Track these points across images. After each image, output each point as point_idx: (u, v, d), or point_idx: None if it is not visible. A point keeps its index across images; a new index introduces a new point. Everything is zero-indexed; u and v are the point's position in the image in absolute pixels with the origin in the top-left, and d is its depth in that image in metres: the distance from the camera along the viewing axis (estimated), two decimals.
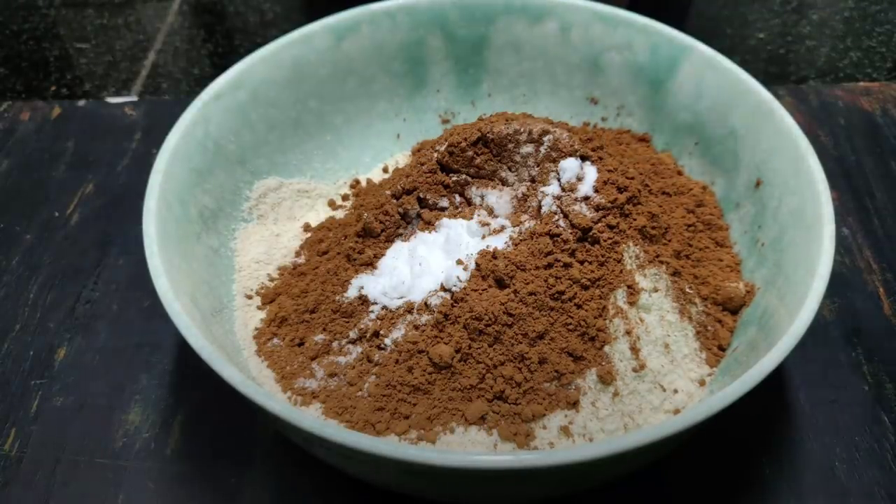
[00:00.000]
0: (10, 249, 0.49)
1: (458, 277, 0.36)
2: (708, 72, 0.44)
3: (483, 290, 0.35)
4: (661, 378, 0.36)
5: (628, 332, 0.36)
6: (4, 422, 0.40)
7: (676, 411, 0.35)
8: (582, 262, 0.36)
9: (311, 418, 0.28)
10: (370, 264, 0.39)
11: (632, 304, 0.36)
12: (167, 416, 0.40)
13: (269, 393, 0.29)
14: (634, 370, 0.35)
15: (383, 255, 0.40)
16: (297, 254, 0.43)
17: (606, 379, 0.35)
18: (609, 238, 0.36)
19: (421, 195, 0.40)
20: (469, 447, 0.33)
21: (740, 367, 0.33)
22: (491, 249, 0.36)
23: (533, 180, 0.39)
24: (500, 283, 0.35)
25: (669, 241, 0.39)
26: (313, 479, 0.38)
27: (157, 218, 0.36)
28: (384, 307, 0.37)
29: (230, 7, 0.74)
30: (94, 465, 0.38)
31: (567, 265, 0.35)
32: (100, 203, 0.52)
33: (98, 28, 0.71)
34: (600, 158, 0.38)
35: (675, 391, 0.36)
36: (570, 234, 0.36)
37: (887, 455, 0.38)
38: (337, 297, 0.38)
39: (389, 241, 0.40)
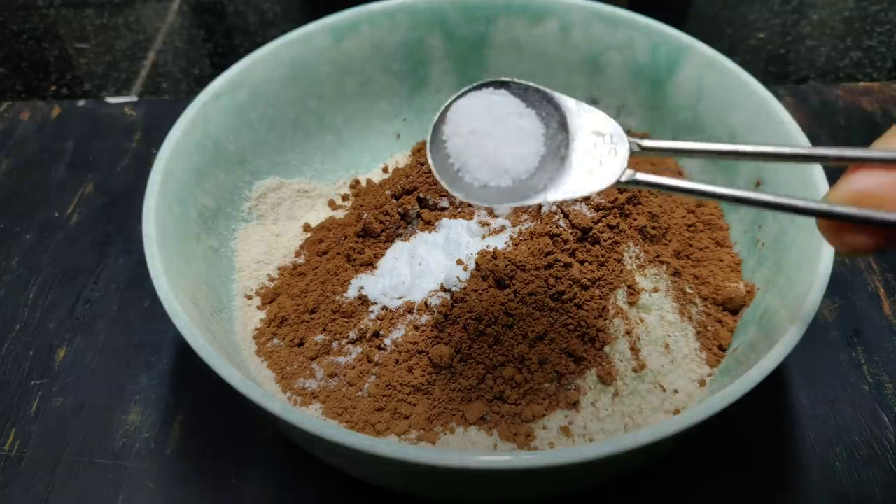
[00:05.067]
0: (10, 249, 0.49)
1: (458, 277, 0.36)
2: (708, 72, 0.44)
3: (483, 290, 0.35)
4: (661, 378, 0.36)
5: (628, 333, 0.36)
6: (4, 422, 0.40)
7: (676, 411, 0.35)
8: (582, 263, 0.36)
9: (311, 418, 0.28)
10: (370, 264, 0.39)
11: (632, 304, 0.36)
12: (167, 416, 0.40)
13: (269, 393, 0.29)
14: (634, 370, 0.35)
15: (383, 255, 0.40)
16: (297, 254, 0.43)
17: (606, 379, 0.35)
18: (609, 238, 0.36)
19: (421, 195, 0.40)
20: (469, 447, 0.33)
21: (740, 367, 0.33)
22: (491, 249, 0.36)
23: None
24: (500, 284, 0.35)
25: (669, 241, 0.39)
26: (313, 479, 0.38)
27: (157, 218, 0.36)
28: (384, 307, 0.37)
29: (230, 7, 0.74)
30: (94, 465, 0.38)
31: (567, 265, 0.35)
32: (100, 203, 0.52)
33: (98, 28, 0.71)
34: None
35: (675, 391, 0.36)
36: (570, 234, 0.36)
37: (887, 455, 0.38)
38: (337, 298, 0.38)
39: (389, 241, 0.40)
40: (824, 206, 0.25)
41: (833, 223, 0.25)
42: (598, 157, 0.27)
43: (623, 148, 0.27)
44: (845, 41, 0.68)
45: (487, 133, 0.28)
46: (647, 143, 0.28)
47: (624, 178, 0.27)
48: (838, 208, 0.25)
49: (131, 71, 0.66)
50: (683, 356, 0.36)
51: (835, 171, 0.53)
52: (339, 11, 0.47)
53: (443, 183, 0.28)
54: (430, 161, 0.28)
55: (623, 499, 0.37)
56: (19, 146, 0.56)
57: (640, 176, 0.27)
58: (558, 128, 0.28)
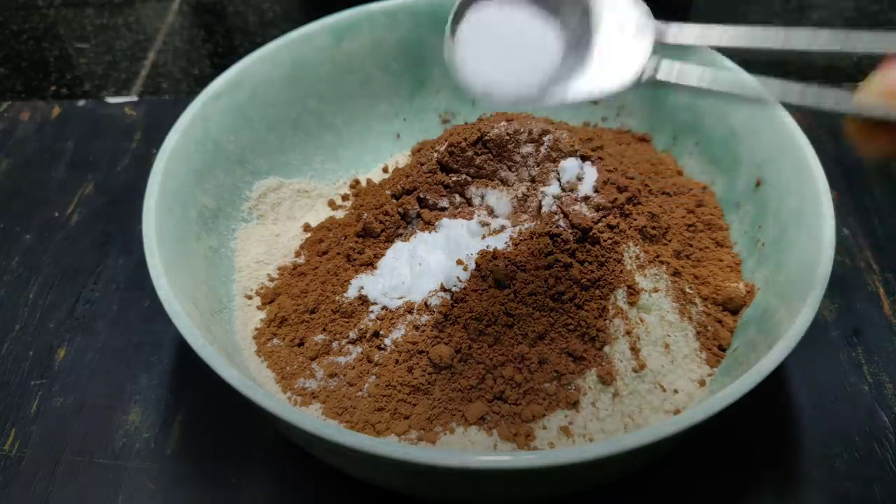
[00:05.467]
0: (10, 249, 0.49)
1: (458, 277, 0.36)
2: (708, 72, 0.44)
3: (483, 290, 0.35)
4: (661, 378, 0.36)
5: (628, 333, 0.36)
6: (4, 422, 0.40)
7: (676, 411, 0.35)
8: (582, 263, 0.36)
9: (311, 418, 0.28)
10: (370, 264, 0.39)
11: (632, 304, 0.36)
12: (167, 416, 0.40)
13: (269, 393, 0.29)
14: (634, 370, 0.35)
15: (383, 255, 0.40)
16: (297, 254, 0.43)
17: (606, 379, 0.35)
18: (609, 238, 0.36)
19: (421, 195, 0.40)
20: (469, 447, 0.33)
21: (740, 367, 0.33)
22: (491, 249, 0.36)
23: (533, 180, 0.39)
24: (500, 284, 0.35)
25: (669, 241, 0.39)
26: (313, 479, 0.38)
27: (157, 218, 0.36)
28: (384, 307, 0.37)
29: (230, 7, 0.74)
30: (94, 465, 0.38)
31: (567, 265, 0.35)
32: (100, 203, 0.52)
33: (98, 28, 0.71)
34: (600, 158, 0.38)
35: (675, 391, 0.36)
36: (570, 234, 0.36)
37: (887, 455, 0.38)
38: (337, 298, 0.38)
39: (389, 241, 0.40)
40: (853, 107, 0.23)
41: (863, 125, 0.23)
42: (620, 50, 0.25)
43: (649, 34, 0.25)
44: None
45: (507, 37, 0.26)
46: (674, 31, 0.26)
47: (645, 76, 0.25)
48: (869, 106, 0.22)
49: (131, 71, 0.66)
50: (683, 356, 0.36)
51: (834, 171, 0.53)
52: (339, 11, 0.47)
53: (463, 83, 0.27)
54: (449, 61, 0.27)
55: (623, 499, 0.37)
56: (19, 146, 0.56)
57: (663, 75, 0.25)
58: (578, 24, 0.26)
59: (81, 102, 0.60)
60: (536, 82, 0.26)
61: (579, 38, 0.26)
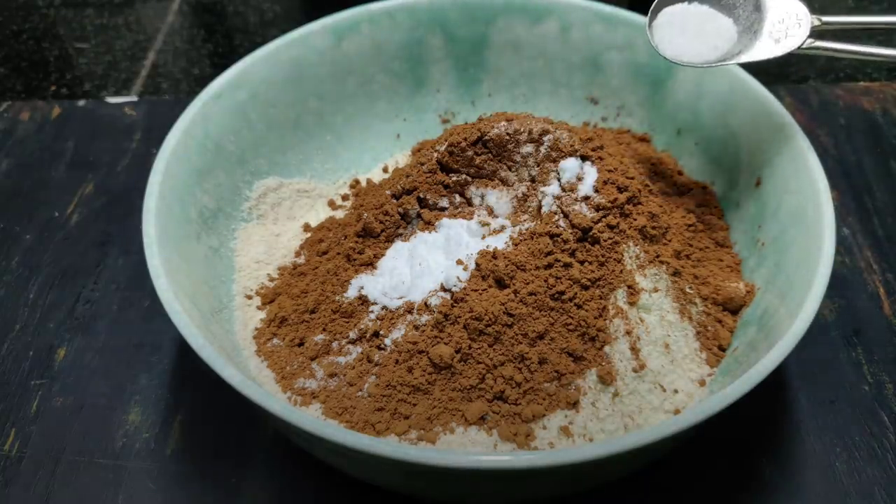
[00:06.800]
0: (10, 249, 0.49)
1: (458, 277, 0.36)
2: (708, 72, 0.44)
3: (483, 290, 0.35)
4: (661, 378, 0.36)
5: (628, 333, 0.36)
6: (4, 422, 0.40)
7: (676, 411, 0.35)
8: (582, 262, 0.36)
9: (311, 418, 0.28)
10: (370, 264, 0.39)
11: (632, 304, 0.36)
12: (167, 416, 0.40)
13: (269, 393, 0.29)
14: (634, 370, 0.35)
15: (383, 255, 0.40)
16: (297, 254, 0.43)
17: (606, 379, 0.35)
18: (609, 238, 0.36)
19: (421, 195, 0.40)
20: (469, 447, 0.33)
21: (740, 367, 0.33)
22: (491, 249, 0.36)
23: (533, 180, 0.39)
24: (500, 284, 0.35)
25: (669, 241, 0.39)
26: (313, 479, 0.38)
27: (157, 218, 0.36)
28: (384, 307, 0.37)
29: (230, 7, 0.74)
30: (94, 465, 0.38)
31: (567, 265, 0.35)
32: (100, 203, 0.52)
33: (98, 28, 0.71)
34: (600, 158, 0.38)
35: (675, 391, 0.36)
36: (570, 234, 0.36)
37: (887, 455, 0.38)
38: (337, 297, 0.38)
39: (389, 241, 0.40)
40: None
41: None
42: (784, 29, 0.36)
43: (806, 22, 0.36)
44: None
45: (692, 24, 0.38)
46: (826, 18, 0.36)
47: (805, 45, 0.35)
48: None
49: (131, 71, 0.66)
50: (683, 356, 0.36)
51: (834, 171, 0.53)
52: (339, 11, 0.47)
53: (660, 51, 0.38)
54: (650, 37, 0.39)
55: (623, 499, 0.37)
56: (19, 146, 0.56)
57: (820, 43, 0.35)
58: (752, 9, 0.37)
59: (81, 102, 0.60)
60: (714, 54, 0.38)
61: (752, 22, 0.37)
